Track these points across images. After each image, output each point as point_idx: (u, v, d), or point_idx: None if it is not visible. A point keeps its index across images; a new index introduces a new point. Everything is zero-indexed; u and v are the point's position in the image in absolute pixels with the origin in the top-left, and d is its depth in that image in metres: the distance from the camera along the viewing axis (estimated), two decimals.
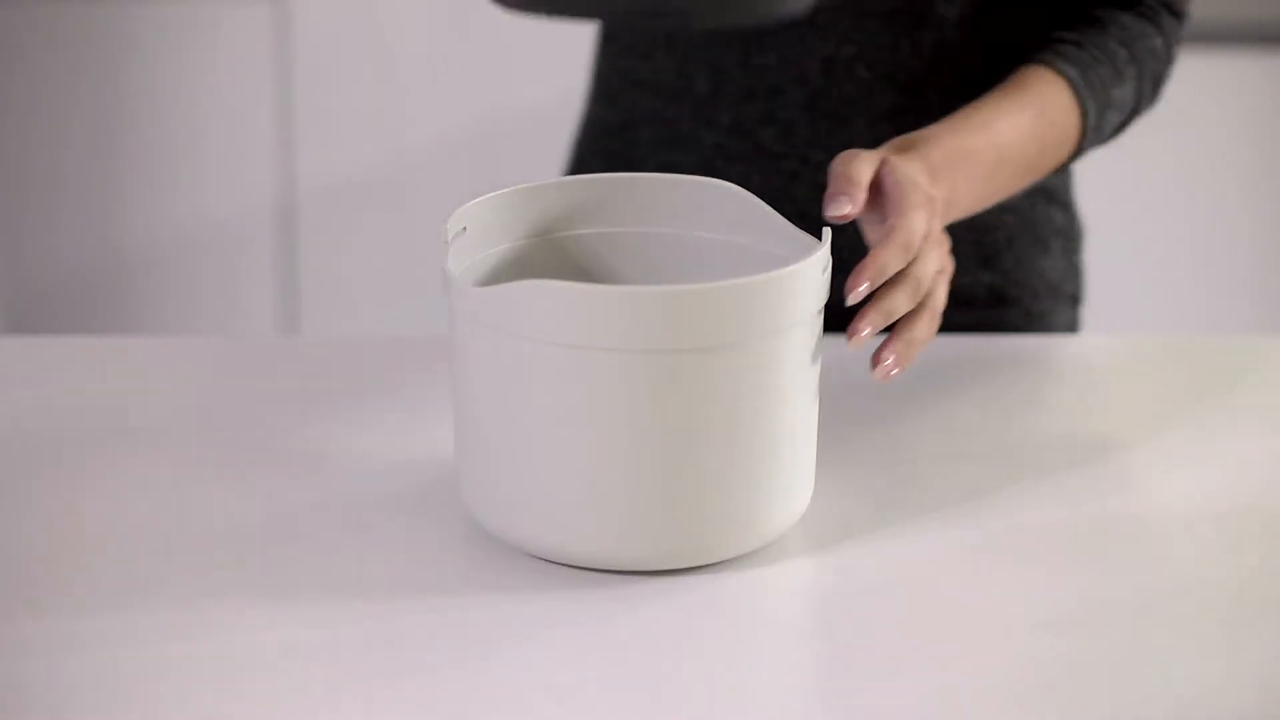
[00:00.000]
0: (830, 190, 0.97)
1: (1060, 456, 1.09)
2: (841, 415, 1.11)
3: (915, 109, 1.22)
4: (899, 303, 0.95)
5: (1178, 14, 1.25)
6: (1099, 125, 1.19)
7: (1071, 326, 1.35)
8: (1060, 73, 1.17)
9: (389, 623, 0.89)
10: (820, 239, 0.94)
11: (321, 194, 2.53)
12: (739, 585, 0.93)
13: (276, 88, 2.47)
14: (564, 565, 0.94)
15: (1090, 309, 2.54)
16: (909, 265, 0.95)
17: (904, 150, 1.04)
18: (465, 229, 0.97)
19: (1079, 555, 0.98)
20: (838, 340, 1.04)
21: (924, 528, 0.99)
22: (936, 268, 0.97)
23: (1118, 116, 1.21)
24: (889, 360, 0.96)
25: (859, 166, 0.98)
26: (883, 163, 0.99)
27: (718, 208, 1.01)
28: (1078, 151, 1.20)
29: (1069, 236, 1.33)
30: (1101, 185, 2.50)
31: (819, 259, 0.93)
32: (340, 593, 0.92)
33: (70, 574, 0.94)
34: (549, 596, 0.92)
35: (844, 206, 0.95)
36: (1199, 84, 2.44)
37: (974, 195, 1.11)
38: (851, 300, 0.93)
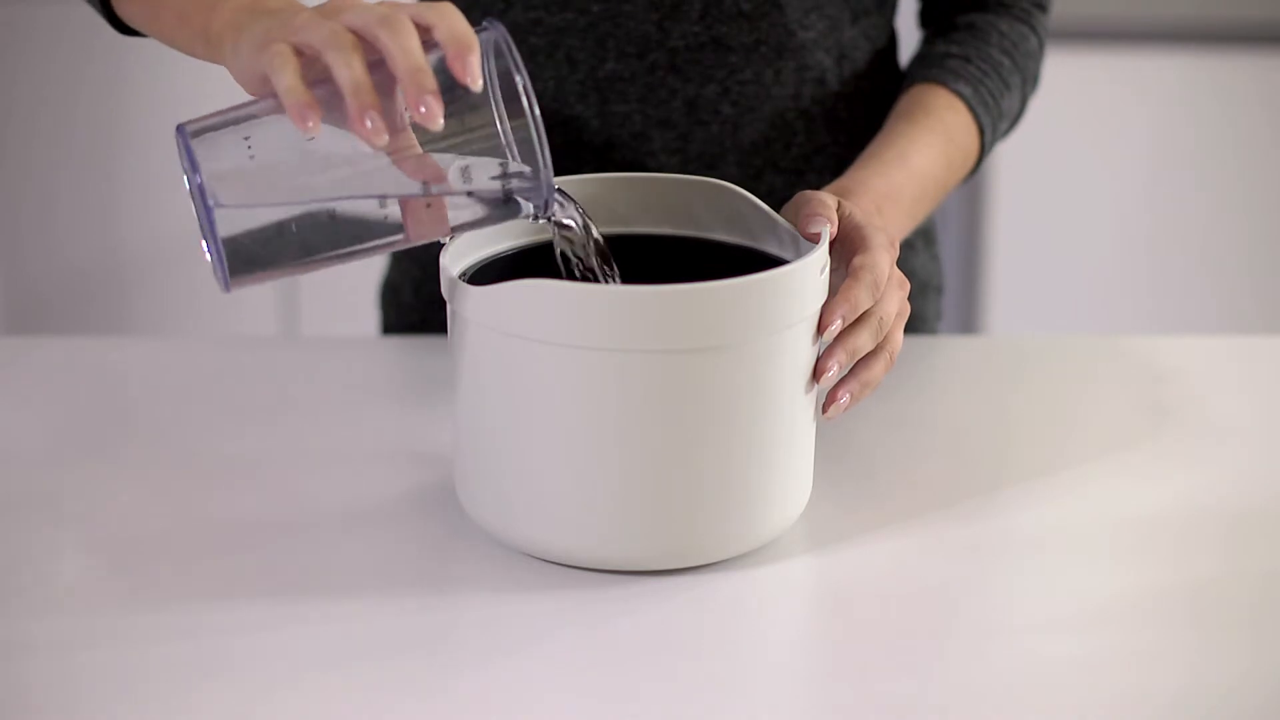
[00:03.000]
0: (806, 212, 0.97)
1: (1060, 456, 1.09)
2: (841, 415, 1.11)
3: (782, 140, 1.22)
4: (863, 341, 0.95)
5: (1045, 8, 1.28)
6: (993, 139, 1.23)
7: (938, 316, 1.36)
8: (956, 93, 1.20)
9: (388, 623, 0.89)
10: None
11: None
12: (739, 585, 0.93)
13: None
14: (564, 565, 0.94)
15: (1091, 308, 2.54)
16: (873, 305, 0.96)
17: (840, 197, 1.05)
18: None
19: (1078, 555, 0.98)
20: None
21: (923, 528, 0.99)
22: (897, 310, 0.97)
23: (1007, 125, 1.25)
24: (843, 400, 0.96)
25: (823, 198, 0.98)
26: (839, 203, 1.00)
27: (717, 208, 1.01)
28: (976, 167, 1.23)
29: (929, 234, 1.34)
30: (1101, 185, 2.51)
31: (818, 259, 0.93)
32: (340, 593, 0.92)
33: (69, 574, 0.94)
34: (549, 596, 0.92)
35: (825, 224, 0.95)
36: (1201, 84, 2.44)
37: (902, 232, 1.13)
38: (825, 337, 0.94)
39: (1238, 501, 1.04)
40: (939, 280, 1.35)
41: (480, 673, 0.85)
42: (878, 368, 0.97)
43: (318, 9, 0.87)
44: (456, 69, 0.84)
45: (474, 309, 0.91)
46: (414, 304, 1.32)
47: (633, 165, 1.21)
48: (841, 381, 0.96)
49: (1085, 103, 2.43)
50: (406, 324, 1.33)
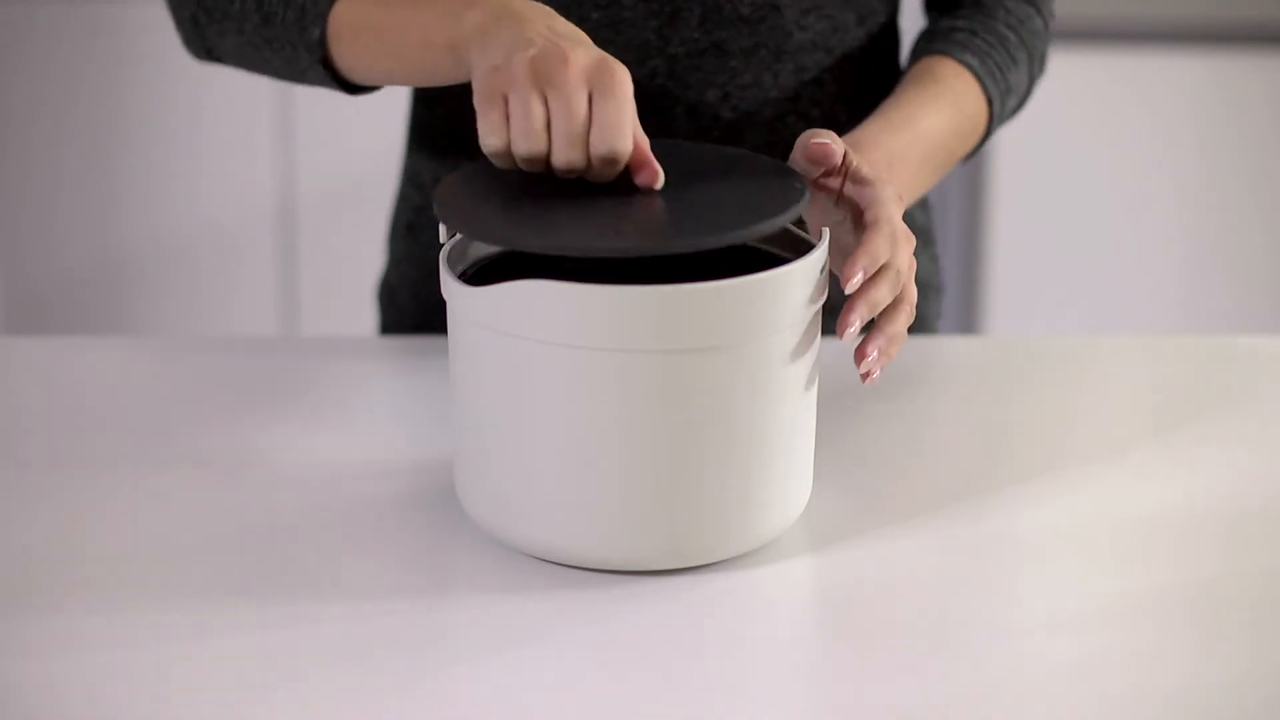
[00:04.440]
0: (816, 140, 0.99)
1: (1060, 456, 1.09)
2: (841, 415, 1.11)
3: (782, 144, 1.22)
4: (883, 294, 0.96)
5: None
6: (1001, 112, 1.23)
7: (938, 316, 1.36)
8: (964, 64, 1.20)
9: (388, 622, 0.89)
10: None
11: (321, 194, 2.53)
12: (739, 585, 0.93)
13: (276, 88, 2.47)
14: (564, 565, 0.94)
15: (1091, 308, 2.54)
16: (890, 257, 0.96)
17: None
18: None
19: (1078, 555, 0.98)
20: (836, 340, 1.04)
21: (924, 528, 0.99)
22: (908, 262, 0.97)
23: (1015, 100, 1.25)
24: (873, 355, 0.96)
25: (829, 134, 1.00)
26: (846, 154, 1.00)
27: None
28: (984, 139, 1.23)
29: (927, 234, 1.34)
30: (1101, 185, 2.51)
31: (817, 259, 0.93)
32: (340, 592, 0.92)
33: (69, 574, 0.94)
34: (549, 596, 0.92)
35: (835, 145, 0.98)
36: (1202, 84, 2.44)
37: (908, 193, 1.13)
38: (849, 289, 0.94)
39: (1238, 502, 1.04)
40: (938, 281, 1.35)
41: (480, 672, 0.85)
42: (900, 320, 0.97)
43: (539, 55, 0.94)
44: (643, 177, 0.95)
45: (474, 309, 0.91)
46: (412, 307, 1.32)
47: None
48: (868, 338, 0.96)
49: (1086, 103, 2.43)
50: (405, 326, 1.33)
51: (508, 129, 0.94)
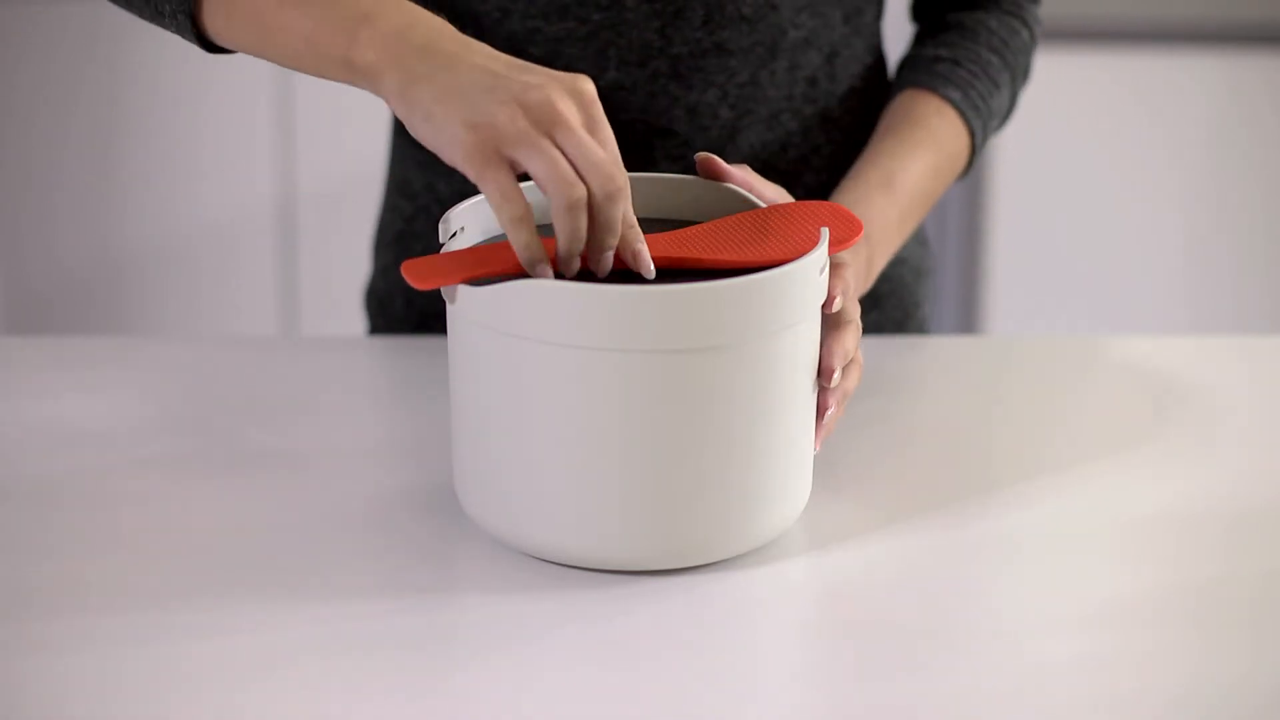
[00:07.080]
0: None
1: (1059, 456, 1.09)
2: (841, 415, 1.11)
3: (778, 141, 1.22)
4: (853, 383, 0.99)
5: None
6: (983, 141, 1.24)
7: (930, 299, 1.38)
8: (945, 98, 1.21)
9: (389, 623, 0.89)
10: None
11: (321, 194, 2.54)
12: (739, 585, 0.93)
13: (276, 88, 2.47)
14: (564, 565, 0.94)
15: (1091, 308, 2.54)
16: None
17: None
18: (463, 228, 0.97)
19: (1078, 555, 0.98)
20: None
21: (924, 528, 0.99)
22: None
23: (997, 122, 1.26)
24: (818, 445, 0.98)
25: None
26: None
27: (718, 208, 1.01)
28: (967, 169, 1.24)
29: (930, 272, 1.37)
30: (1101, 185, 2.50)
31: (817, 259, 0.93)
32: (340, 593, 0.92)
33: (69, 574, 0.94)
34: (549, 596, 0.92)
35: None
36: (1202, 84, 2.44)
37: (890, 252, 1.16)
38: (832, 384, 0.96)
39: (1238, 501, 1.04)
40: (928, 263, 1.36)
41: (480, 672, 0.85)
42: (841, 408, 0.99)
43: (525, 106, 0.89)
44: (643, 270, 0.93)
45: (474, 309, 0.91)
46: (406, 315, 1.31)
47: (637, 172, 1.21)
48: (817, 432, 0.98)
49: (1087, 103, 2.43)
50: (398, 333, 1.33)
51: (519, 194, 0.89)
